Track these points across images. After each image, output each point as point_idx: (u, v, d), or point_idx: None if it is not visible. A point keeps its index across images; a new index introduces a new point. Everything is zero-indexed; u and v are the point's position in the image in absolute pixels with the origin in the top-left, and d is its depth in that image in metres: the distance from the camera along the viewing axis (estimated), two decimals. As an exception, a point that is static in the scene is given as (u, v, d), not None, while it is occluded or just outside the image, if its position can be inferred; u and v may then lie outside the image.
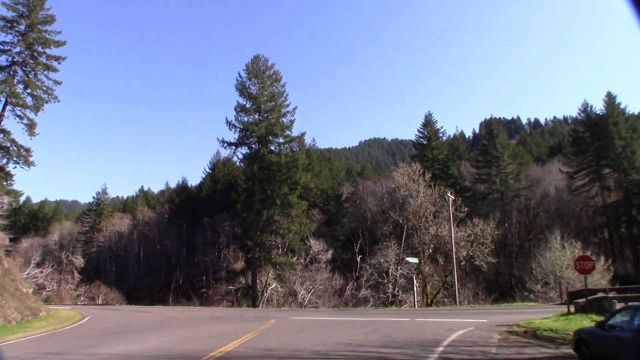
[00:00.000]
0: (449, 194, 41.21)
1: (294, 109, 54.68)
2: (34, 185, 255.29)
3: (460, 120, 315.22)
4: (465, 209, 46.56)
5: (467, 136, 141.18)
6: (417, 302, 39.52)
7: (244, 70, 54.34)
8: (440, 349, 11.79)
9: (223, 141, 53.55)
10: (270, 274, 52.06)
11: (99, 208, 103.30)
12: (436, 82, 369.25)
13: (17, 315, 25.19)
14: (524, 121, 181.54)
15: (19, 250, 75.17)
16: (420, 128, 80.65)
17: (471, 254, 45.86)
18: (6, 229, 36.01)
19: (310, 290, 51.60)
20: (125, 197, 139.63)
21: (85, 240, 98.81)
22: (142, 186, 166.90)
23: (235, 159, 66.68)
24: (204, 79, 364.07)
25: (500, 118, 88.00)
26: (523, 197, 68.68)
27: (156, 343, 14.02)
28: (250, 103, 53.07)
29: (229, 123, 52.58)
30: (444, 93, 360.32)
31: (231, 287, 57.43)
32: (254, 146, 53.51)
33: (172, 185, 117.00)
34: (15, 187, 48.34)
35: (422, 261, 44.45)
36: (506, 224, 65.13)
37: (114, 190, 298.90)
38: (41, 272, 64.50)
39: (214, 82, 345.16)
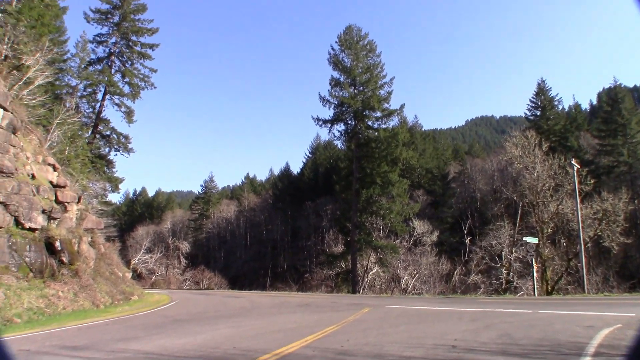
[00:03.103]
0: (573, 162, 35.67)
1: (391, 79, 51.26)
2: (152, 178, 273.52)
3: (575, 91, 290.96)
4: (592, 181, 40.40)
5: (583, 108, 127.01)
6: (536, 289, 34.68)
7: (336, 42, 51.63)
8: (587, 359, 8.07)
9: (318, 119, 51.58)
10: (371, 258, 49.29)
11: (207, 196, 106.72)
12: (547, 52, 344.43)
13: (107, 299, 24.60)
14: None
15: (135, 237, 78.56)
16: (533, 97, 72.99)
17: (599, 233, 39.90)
18: (104, 215, 36.15)
19: (415, 276, 48.09)
20: (232, 186, 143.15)
21: (195, 227, 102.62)
22: (248, 173, 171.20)
23: (332, 137, 64.40)
24: (302, 61, 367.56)
25: (620, 85, 76.48)
26: (655, 170, 59.63)
27: (209, 337, 11.67)
28: (345, 76, 50.24)
29: (322, 99, 50.24)
30: (556, 64, 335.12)
31: (331, 272, 55.37)
32: (350, 122, 50.83)
33: (276, 172, 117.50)
34: (130, 178, 50.17)
35: (541, 242, 39.26)
36: (636, 201, 56.88)
37: (222, 181, 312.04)
38: (151, 257, 66.77)
39: (312, 63, 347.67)
